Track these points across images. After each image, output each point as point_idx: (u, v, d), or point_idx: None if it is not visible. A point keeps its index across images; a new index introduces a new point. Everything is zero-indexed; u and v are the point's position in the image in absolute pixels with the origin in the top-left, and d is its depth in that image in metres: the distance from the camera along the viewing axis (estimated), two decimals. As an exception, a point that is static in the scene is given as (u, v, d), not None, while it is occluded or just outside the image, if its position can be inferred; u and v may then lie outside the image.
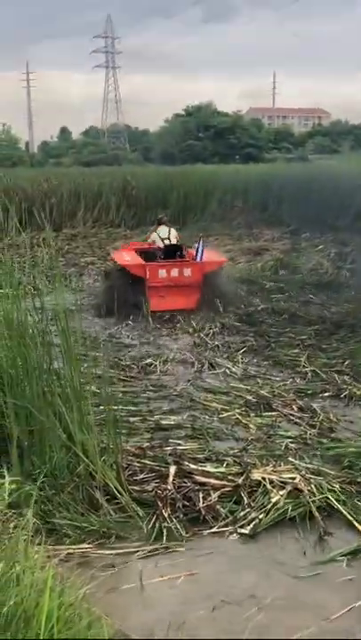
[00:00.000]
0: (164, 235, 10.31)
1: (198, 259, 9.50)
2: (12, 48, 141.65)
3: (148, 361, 7.33)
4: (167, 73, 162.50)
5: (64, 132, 72.34)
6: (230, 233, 18.74)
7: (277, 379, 6.80)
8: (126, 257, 10.01)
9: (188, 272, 9.46)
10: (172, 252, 9.99)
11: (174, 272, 9.42)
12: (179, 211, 21.48)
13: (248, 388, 6.48)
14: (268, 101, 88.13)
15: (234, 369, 7.08)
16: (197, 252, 9.53)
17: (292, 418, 5.80)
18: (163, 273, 9.40)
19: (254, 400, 6.17)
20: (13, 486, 3.09)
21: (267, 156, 51.56)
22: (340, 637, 3.14)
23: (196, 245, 9.67)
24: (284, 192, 20.38)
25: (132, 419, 5.67)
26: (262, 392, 6.33)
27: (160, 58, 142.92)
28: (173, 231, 10.47)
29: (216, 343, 8.04)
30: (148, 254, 10.11)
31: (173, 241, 10.24)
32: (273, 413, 5.88)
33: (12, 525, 3.22)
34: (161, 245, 10.19)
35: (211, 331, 8.45)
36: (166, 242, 10.19)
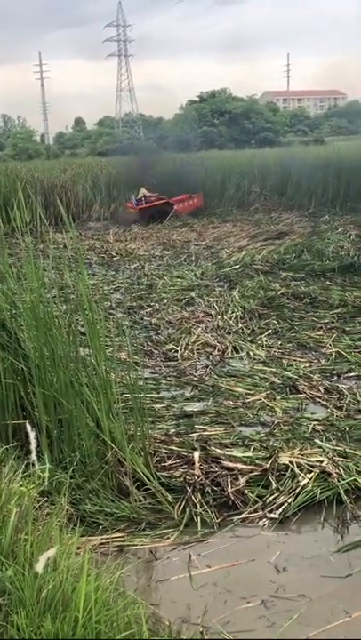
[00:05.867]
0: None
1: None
2: (23, 39, 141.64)
3: (170, 346, 7.35)
4: (180, 58, 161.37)
5: (79, 122, 72.25)
6: (249, 218, 18.61)
7: (303, 360, 6.77)
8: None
9: None
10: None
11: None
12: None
13: (273, 370, 6.47)
14: (283, 84, 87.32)
15: (258, 351, 7.07)
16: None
17: (318, 400, 5.78)
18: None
19: (280, 382, 6.16)
20: (46, 474, 3.13)
21: (283, 139, 51.10)
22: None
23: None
24: (301, 175, 20.16)
25: (156, 405, 5.69)
26: (287, 374, 6.32)
27: (172, 43, 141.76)
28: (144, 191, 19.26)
29: (240, 326, 8.03)
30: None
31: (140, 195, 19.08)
32: (299, 396, 5.87)
33: (45, 512, 3.27)
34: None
35: (233, 314, 8.43)
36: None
